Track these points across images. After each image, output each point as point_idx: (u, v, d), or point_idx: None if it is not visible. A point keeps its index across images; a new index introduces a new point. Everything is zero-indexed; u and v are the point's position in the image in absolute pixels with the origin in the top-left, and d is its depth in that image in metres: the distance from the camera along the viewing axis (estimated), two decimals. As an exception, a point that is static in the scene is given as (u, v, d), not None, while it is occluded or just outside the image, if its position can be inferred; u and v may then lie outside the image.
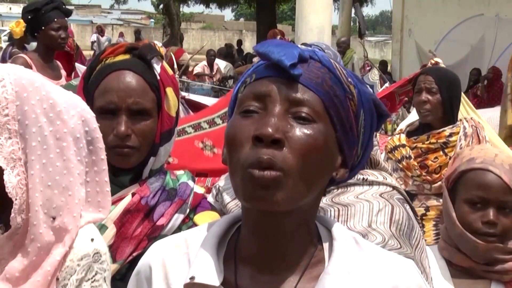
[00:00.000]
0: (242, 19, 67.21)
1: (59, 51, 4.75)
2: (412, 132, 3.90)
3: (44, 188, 1.30)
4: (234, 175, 1.14)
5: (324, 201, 1.67)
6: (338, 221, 1.61)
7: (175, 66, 6.45)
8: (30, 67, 4.33)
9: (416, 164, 3.81)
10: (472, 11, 14.50)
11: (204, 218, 1.75)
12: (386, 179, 1.75)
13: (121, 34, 24.81)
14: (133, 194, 1.71)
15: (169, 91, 1.75)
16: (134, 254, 1.67)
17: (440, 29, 14.93)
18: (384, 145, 4.13)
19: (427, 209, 3.81)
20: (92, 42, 15.90)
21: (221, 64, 13.82)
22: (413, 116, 4.75)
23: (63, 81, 4.58)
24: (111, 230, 1.68)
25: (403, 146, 3.85)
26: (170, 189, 1.75)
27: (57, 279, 1.33)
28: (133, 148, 1.70)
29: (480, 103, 10.51)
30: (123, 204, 1.70)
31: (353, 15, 19.16)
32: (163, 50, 2.49)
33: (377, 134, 5.15)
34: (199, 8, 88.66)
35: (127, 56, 1.75)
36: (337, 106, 1.16)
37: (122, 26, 41.10)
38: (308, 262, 1.19)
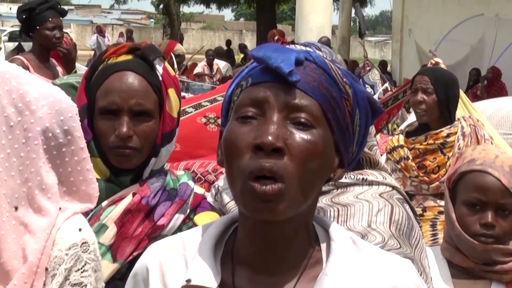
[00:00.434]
0: (242, 19, 67.22)
1: (54, 50, 4.74)
2: (411, 133, 3.91)
3: (8, 177, 1.30)
4: (233, 183, 1.14)
5: (324, 201, 1.67)
6: (337, 221, 1.61)
7: (173, 58, 6.43)
8: (27, 68, 4.32)
9: (413, 165, 3.82)
10: (472, 11, 14.52)
11: (204, 219, 1.75)
12: (385, 179, 1.75)
13: (121, 34, 24.76)
14: (133, 194, 1.71)
15: (171, 92, 1.76)
16: (135, 253, 1.67)
17: (440, 29, 14.95)
18: (385, 144, 4.15)
19: (424, 209, 3.82)
20: (93, 49, 15.91)
21: (219, 64, 13.82)
22: (413, 117, 4.76)
23: (60, 80, 4.56)
24: (112, 230, 1.68)
25: (401, 147, 3.87)
26: (171, 189, 1.75)
27: (46, 269, 1.31)
28: (135, 149, 1.70)
29: (480, 103, 10.51)
30: (123, 203, 1.70)
31: (353, 15, 19.17)
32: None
33: (378, 134, 5.17)
34: (199, 8, 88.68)
35: (129, 57, 1.75)
36: (334, 108, 1.16)
37: (122, 26, 41.05)
38: (306, 263, 1.19)
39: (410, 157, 3.84)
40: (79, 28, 40.36)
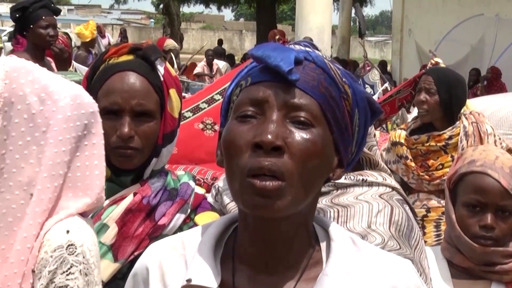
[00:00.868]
0: (242, 19, 67.14)
1: (48, 49, 4.74)
2: (416, 130, 3.91)
3: (26, 165, 1.31)
4: (232, 181, 1.14)
5: (324, 202, 1.68)
6: (337, 222, 1.61)
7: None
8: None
9: (413, 165, 3.83)
10: (472, 11, 14.52)
11: (205, 219, 1.75)
12: (385, 180, 1.75)
13: (121, 34, 24.77)
14: (134, 194, 1.72)
15: (173, 92, 1.76)
16: (136, 253, 1.67)
17: (440, 29, 14.95)
18: (385, 142, 4.15)
19: (428, 210, 3.81)
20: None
21: (219, 64, 13.83)
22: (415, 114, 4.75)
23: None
24: (113, 230, 1.68)
25: (401, 144, 3.88)
26: (172, 189, 1.76)
27: (33, 271, 1.31)
28: (136, 150, 1.70)
29: (480, 103, 10.51)
30: (124, 203, 1.70)
31: (353, 15, 19.17)
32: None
33: (377, 132, 5.16)
34: (199, 8, 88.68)
35: (130, 57, 1.75)
36: (333, 108, 1.16)
37: (122, 26, 41.01)
38: (306, 263, 1.19)
39: (410, 157, 3.84)
40: (79, 28, 40.23)
